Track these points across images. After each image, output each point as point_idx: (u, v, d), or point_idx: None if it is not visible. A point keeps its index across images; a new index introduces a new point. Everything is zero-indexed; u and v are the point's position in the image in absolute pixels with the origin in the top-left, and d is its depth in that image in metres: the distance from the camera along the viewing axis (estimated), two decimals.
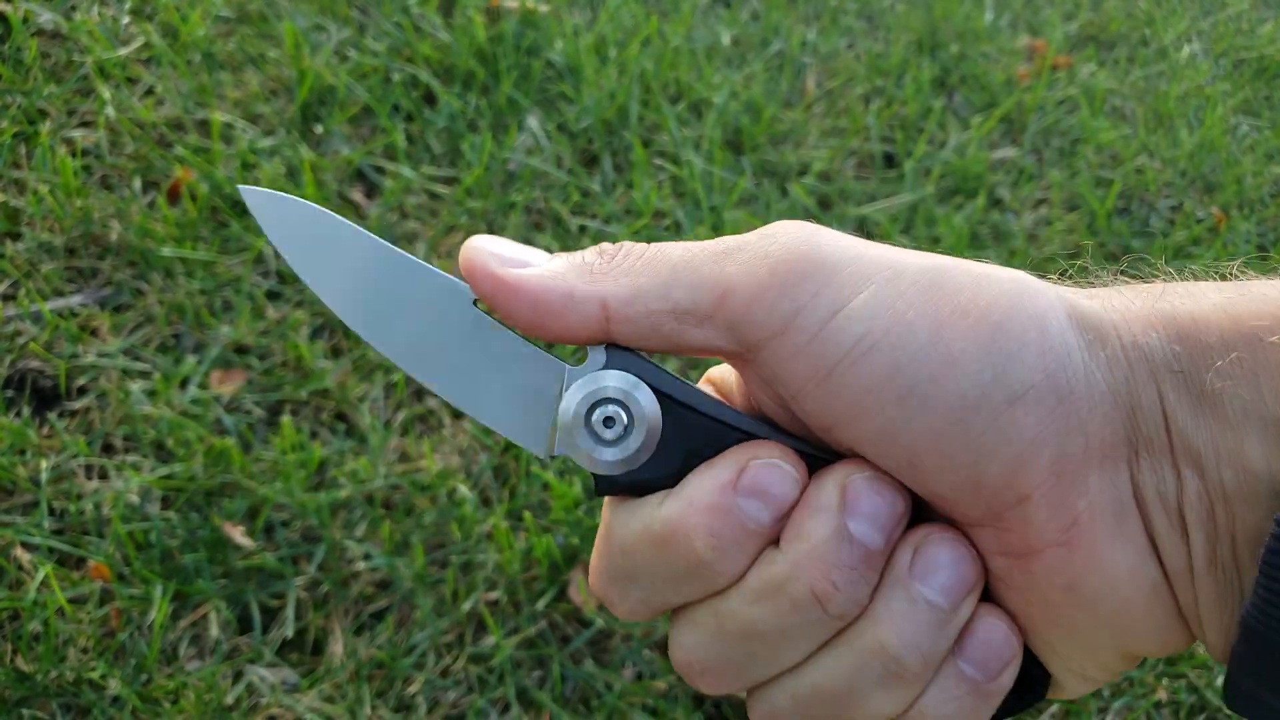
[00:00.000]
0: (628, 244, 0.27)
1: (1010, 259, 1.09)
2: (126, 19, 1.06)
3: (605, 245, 0.27)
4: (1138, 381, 0.23)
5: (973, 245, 1.11)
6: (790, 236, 0.25)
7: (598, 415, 0.27)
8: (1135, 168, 1.25)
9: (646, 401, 0.26)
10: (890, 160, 1.20)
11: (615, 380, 0.27)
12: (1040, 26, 1.44)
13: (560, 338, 0.26)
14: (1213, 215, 1.22)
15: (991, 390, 0.23)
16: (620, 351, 0.27)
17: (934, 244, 1.10)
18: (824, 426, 0.25)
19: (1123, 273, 0.28)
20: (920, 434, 0.23)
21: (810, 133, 1.18)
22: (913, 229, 1.11)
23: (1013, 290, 0.24)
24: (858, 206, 1.12)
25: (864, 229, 1.11)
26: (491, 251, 0.26)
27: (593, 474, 0.27)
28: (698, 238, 0.99)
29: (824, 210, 1.12)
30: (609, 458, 0.27)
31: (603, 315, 0.25)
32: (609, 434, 0.27)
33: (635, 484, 0.27)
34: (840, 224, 1.09)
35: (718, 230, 1.02)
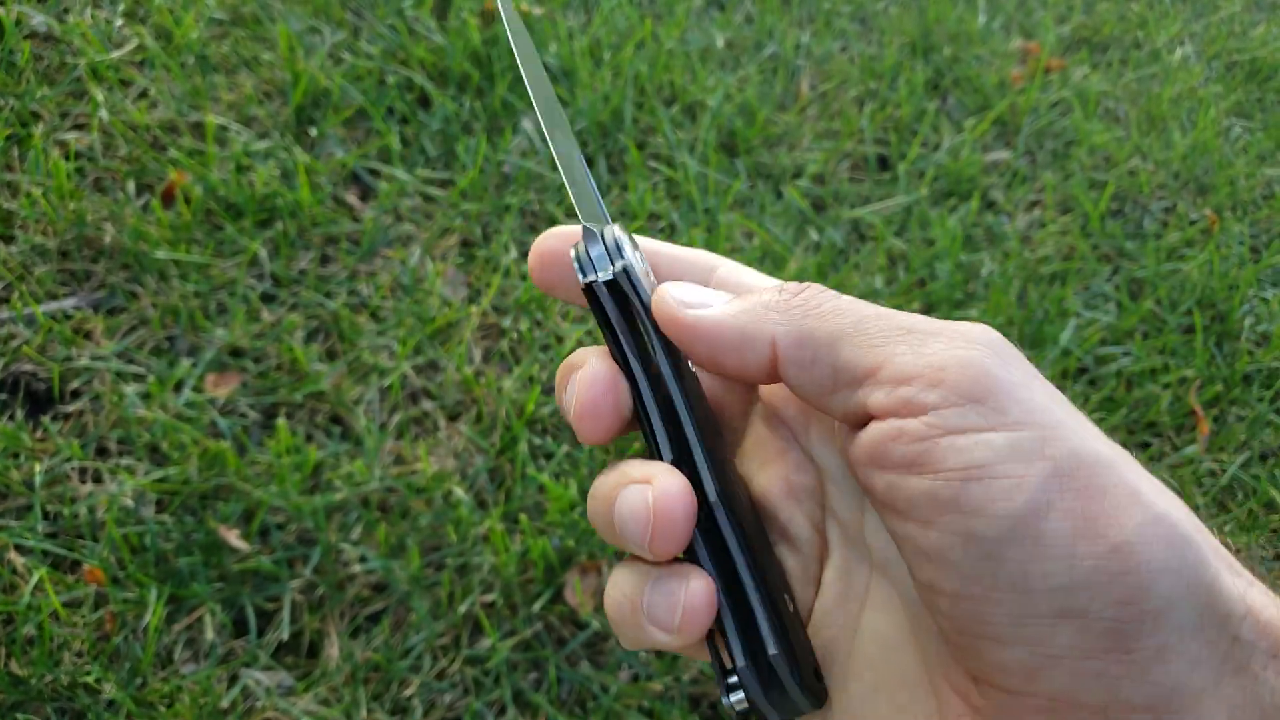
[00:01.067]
0: (815, 286, 0.27)
1: (1004, 261, 1.10)
2: (120, 21, 1.06)
3: (789, 284, 0.27)
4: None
5: (966, 247, 1.11)
6: (979, 350, 0.23)
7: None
8: (1128, 170, 1.25)
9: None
10: (884, 162, 1.20)
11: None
12: (1033, 29, 1.44)
13: (738, 375, 0.27)
14: (1206, 217, 1.23)
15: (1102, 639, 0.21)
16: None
17: (928, 245, 1.10)
18: (891, 524, 0.24)
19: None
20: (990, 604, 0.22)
21: (804, 135, 1.19)
22: (907, 231, 1.12)
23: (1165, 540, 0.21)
24: (852, 209, 1.12)
25: (858, 231, 1.12)
26: (675, 297, 0.27)
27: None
28: (692, 240, 0.99)
29: (819, 212, 1.12)
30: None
31: (771, 355, 0.26)
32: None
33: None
34: (834, 226, 1.09)
35: (712, 233, 1.02)
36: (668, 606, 0.25)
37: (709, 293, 0.28)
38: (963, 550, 0.21)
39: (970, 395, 0.22)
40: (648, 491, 0.25)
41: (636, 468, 0.26)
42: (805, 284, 0.27)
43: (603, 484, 0.27)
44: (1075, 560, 0.20)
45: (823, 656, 0.27)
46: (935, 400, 0.22)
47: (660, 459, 0.27)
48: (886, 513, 0.24)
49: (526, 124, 1.10)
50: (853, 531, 0.28)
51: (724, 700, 0.26)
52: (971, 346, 0.23)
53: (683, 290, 0.28)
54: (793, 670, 0.25)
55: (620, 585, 0.27)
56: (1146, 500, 0.21)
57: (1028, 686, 0.21)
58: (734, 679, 0.26)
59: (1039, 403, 0.22)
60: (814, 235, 1.08)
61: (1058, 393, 0.24)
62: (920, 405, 0.23)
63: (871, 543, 0.27)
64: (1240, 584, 0.22)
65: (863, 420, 0.24)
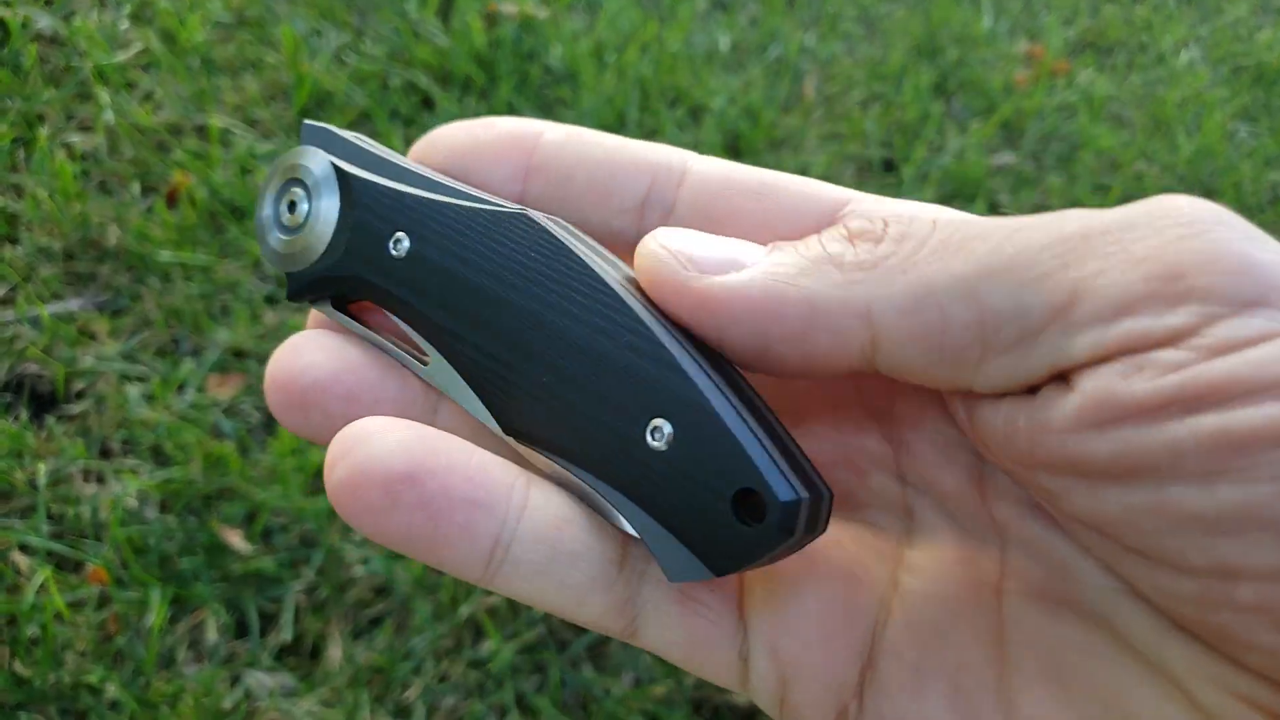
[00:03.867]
0: (899, 210, 0.19)
1: None
2: (125, 24, 1.06)
3: (856, 221, 0.19)
4: None
5: None
6: (1217, 230, 0.16)
7: (285, 199, 0.25)
8: (1134, 173, 1.25)
9: (323, 175, 0.24)
10: (889, 165, 1.20)
11: (307, 157, 0.25)
12: (1039, 32, 1.44)
13: (807, 372, 0.19)
14: None
15: None
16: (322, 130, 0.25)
17: None
18: (1065, 511, 0.18)
19: None
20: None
21: (809, 138, 1.19)
22: None
23: None
24: None
25: None
26: (677, 252, 0.19)
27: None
28: None
29: None
30: (276, 245, 0.25)
31: (868, 336, 0.18)
32: (288, 218, 0.25)
33: (315, 281, 0.25)
34: None
35: None
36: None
37: (730, 245, 0.20)
38: None
39: (1237, 296, 0.15)
40: None
41: None
42: (883, 217, 0.19)
43: None
44: None
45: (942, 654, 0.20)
46: (1187, 321, 0.15)
47: None
48: (1111, 486, 0.16)
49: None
50: (964, 506, 0.21)
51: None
52: (1201, 228, 0.16)
53: (687, 241, 0.19)
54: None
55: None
56: None
57: None
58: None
59: None
60: None
61: None
62: (1165, 334, 0.15)
63: (1004, 517, 0.21)
64: None
65: (1046, 380, 0.17)
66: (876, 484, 0.23)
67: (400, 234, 0.23)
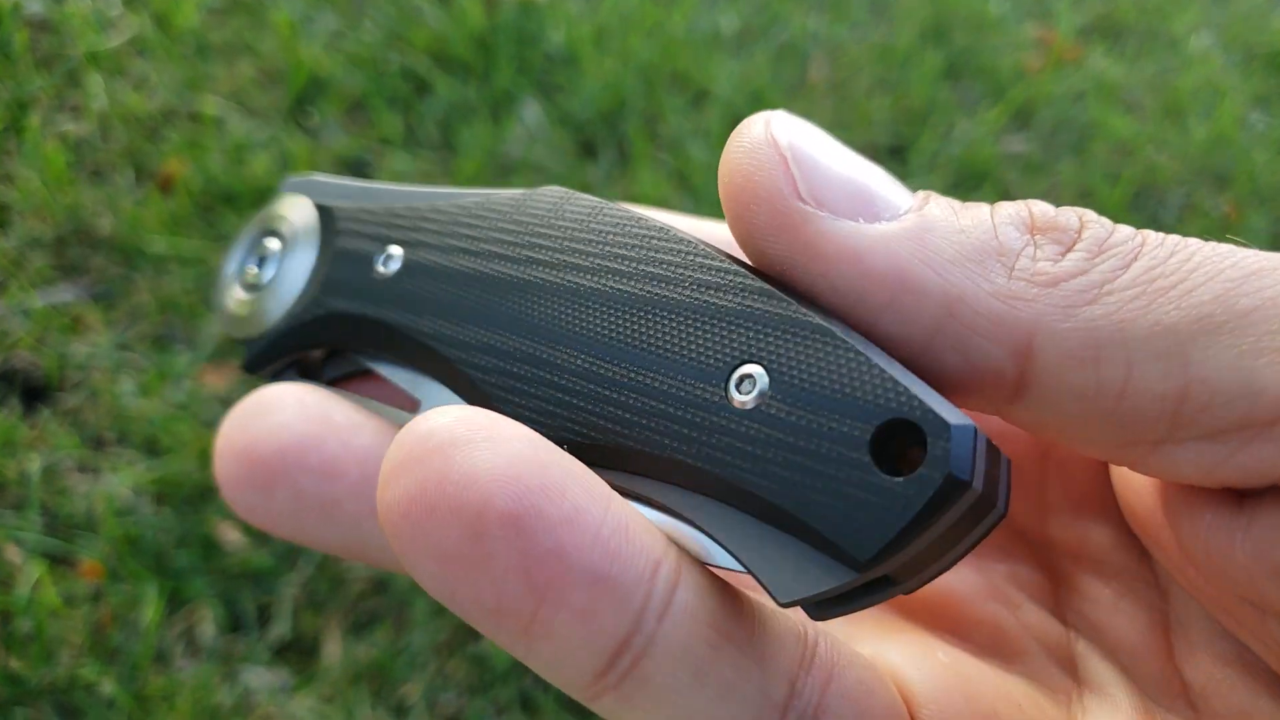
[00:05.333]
0: (1120, 230, 0.14)
1: None
2: (118, 9, 1.04)
3: (1042, 207, 0.14)
4: None
5: None
6: None
7: (256, 252, 0.22)
8: (1146, 160, 1.23)
9: (303, 225, 0.21)
10: (897, 152, 1.18)
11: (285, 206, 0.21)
12: (1049, 16, 1.41)
13: (946, 380, 0.14)
14: (1224, 209, 1.21)
15: None
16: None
17: None
18: None
19: None
20: None
21: (816, 123, 1.17)
22: None
23: None
24: None
25: None
26: (796, 162, 0.14)
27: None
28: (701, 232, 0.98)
29: None
30: (233, 305, 0.21)
31: (1015, 373, 0.13)
32: (253, 273, 0.22)
33: (279, 341, 0.21)
34: None
35: (721, 222, 1.00)
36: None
37: (864, 170, 0.14)
38: None
39: None
40: None
41: None
42: (1099, 222, 0.14)
43: None
44: None
45: None
46: None
47: None
48: None
49: (530, 111, 1.08)
50: (1144, 662, 0.16)
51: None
52: None
53: (810, 146, 0.14)
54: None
55: None
56: None
57: None
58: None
59: None
60: None
61: None
62: None
63: (1200, 680, 0.15)
64: None
65: (1262, 487, 0.13)
66: (1033, 624, 0.17)
67: (391, 248, 0.20)
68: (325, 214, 0.22)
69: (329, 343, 0.21)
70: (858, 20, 1.32)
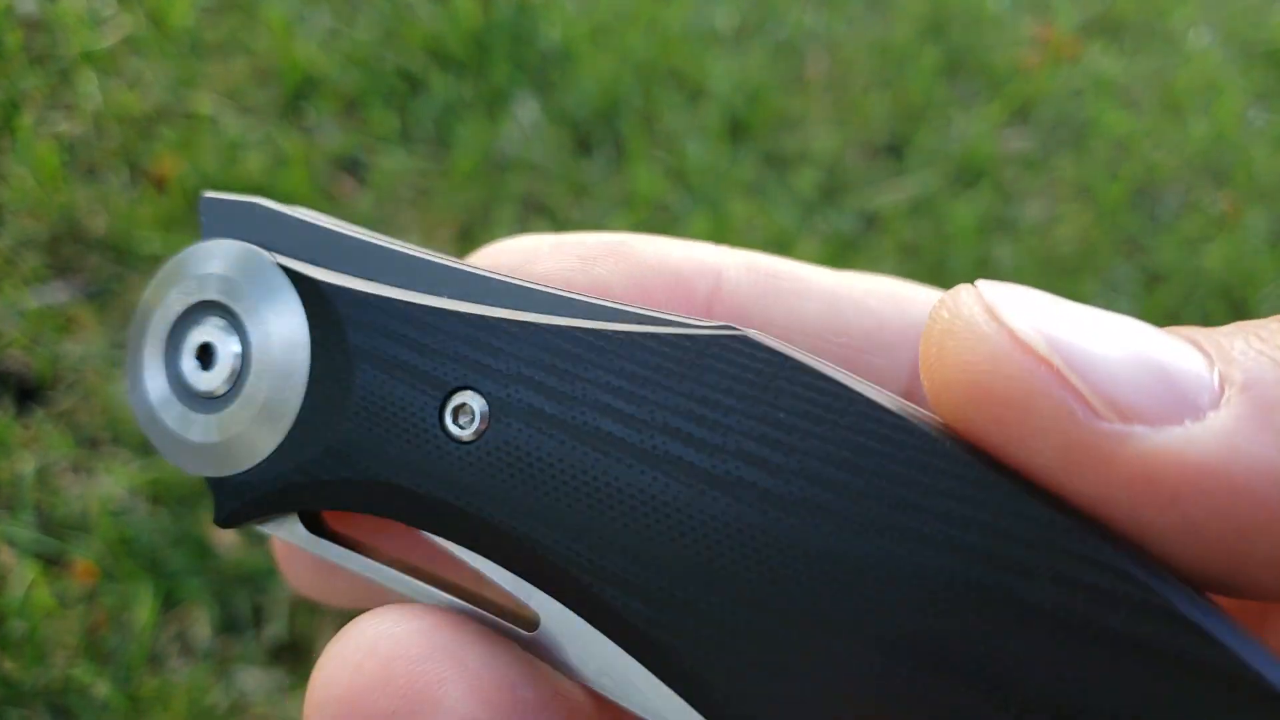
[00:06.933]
0: None
1: (1017, 249, 1.07)
2: (111, 7, 1.03)
3: None
4: None
5: (980, 236, 1.09)
6: None
7: (189, 344, 0.14)
8: (1144, 157, 1.22)
9: (257, 285, 0.12)
10: (895, 149, 1.18)
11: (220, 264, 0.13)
12: (1047, 12, 1.41)
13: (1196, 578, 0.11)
14: (1223, 205, 1.20)
15: None
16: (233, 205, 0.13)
17: (940, 234, 1.08)
18: None
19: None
20: None
21: (813, 120, 1.16)
22: (918, 219, 1.09)
23: None
24: (862, 196, 1.10)
25: (866, 218, 1.09)
26: (1073, 364, 0.10)
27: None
28: (696, 228, 0.97)
29: (828, 201, 1.09)
30: (192, 434, 0.13)
31: None
32: (203, 378, 0.14)
33: (272, 495, 0.13)
34: (843, 214, 1.07)
35: (718, 222, 1.00)
36: None
37: (1145, 341, 0.10)
38: None
39: None
40: None
41: None
42: None
43: None
44: None
45: None
46: None
47: None
48: None
49: (525, 109, 1.07)
50: None
51: None
52: None
53: (1079, 336, 0.10)
54: None
55: None
56: None
57: None
58: None
59: None
60: (822, 223, 1.06)
61: None
62: None
63: None
64: None
65: None
66: None
67: (466, 394, 0.13)
68: (307, 288, 0.14)
69: (364, 511, 0.14)
70: (855, 16, 1.32)
